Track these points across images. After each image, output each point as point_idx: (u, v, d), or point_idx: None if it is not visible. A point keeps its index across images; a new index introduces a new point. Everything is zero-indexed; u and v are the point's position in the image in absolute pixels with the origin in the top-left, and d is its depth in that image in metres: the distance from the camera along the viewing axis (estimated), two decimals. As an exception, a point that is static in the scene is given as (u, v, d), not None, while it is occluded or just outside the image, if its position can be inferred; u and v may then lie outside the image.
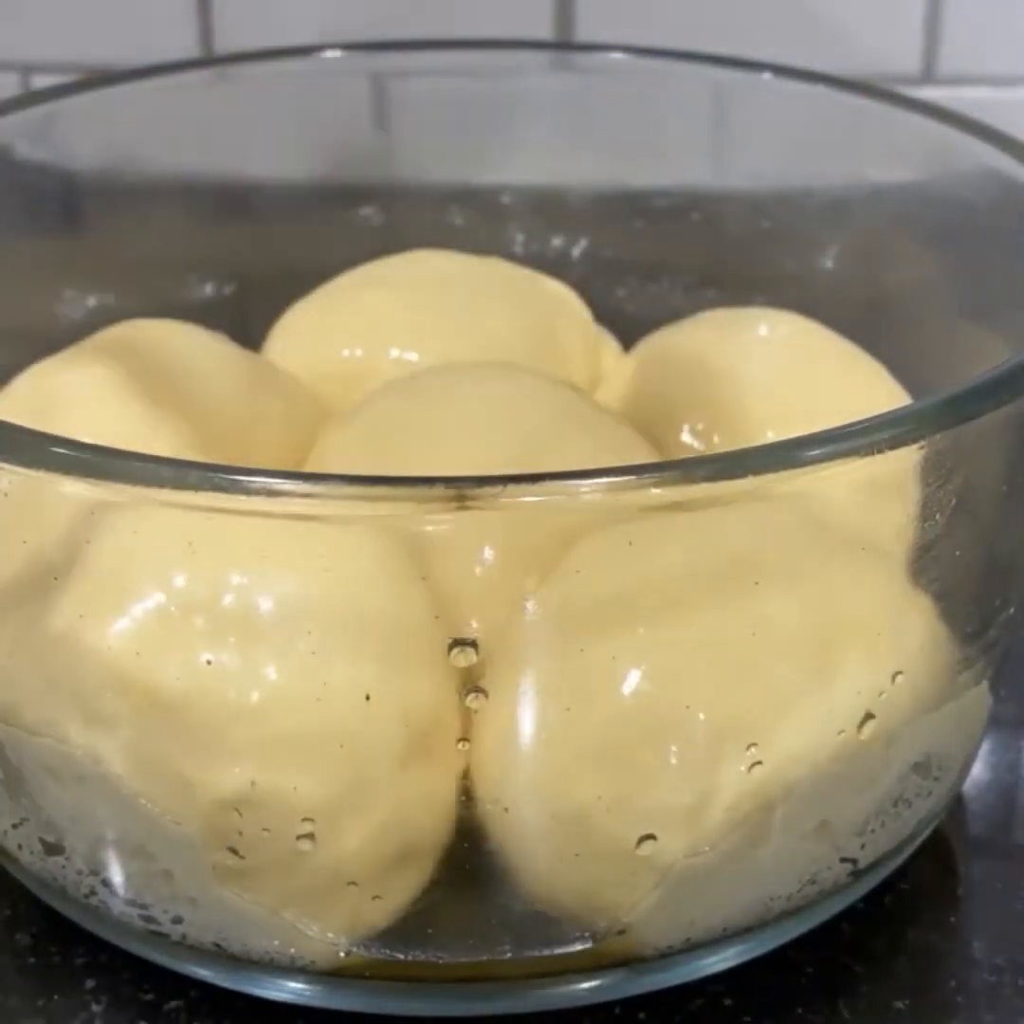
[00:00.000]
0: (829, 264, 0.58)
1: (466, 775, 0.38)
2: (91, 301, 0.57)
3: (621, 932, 0.39)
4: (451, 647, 0.37)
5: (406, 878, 0.38)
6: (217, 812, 0.37)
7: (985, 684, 0.43)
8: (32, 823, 0.40)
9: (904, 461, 0.36)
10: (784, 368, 0.50)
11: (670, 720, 0.37)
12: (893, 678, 0.38)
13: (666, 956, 0.40)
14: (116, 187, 0.59)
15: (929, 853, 0.45)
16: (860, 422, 0.35)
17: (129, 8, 0.74)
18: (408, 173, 0.62)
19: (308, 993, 0.40)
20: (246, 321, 0.56)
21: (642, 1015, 0.41)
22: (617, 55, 0.60)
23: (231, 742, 0.36)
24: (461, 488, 0.33)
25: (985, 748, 0.47)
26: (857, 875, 0.41)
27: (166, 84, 0.58)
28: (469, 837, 0.38)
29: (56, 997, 0.41)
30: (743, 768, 0.37)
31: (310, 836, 0.37)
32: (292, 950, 0.39)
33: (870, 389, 0.50)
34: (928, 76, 0.73)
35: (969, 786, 0.47)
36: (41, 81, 0.74)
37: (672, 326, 0.54)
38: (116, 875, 0.39)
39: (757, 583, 0.37)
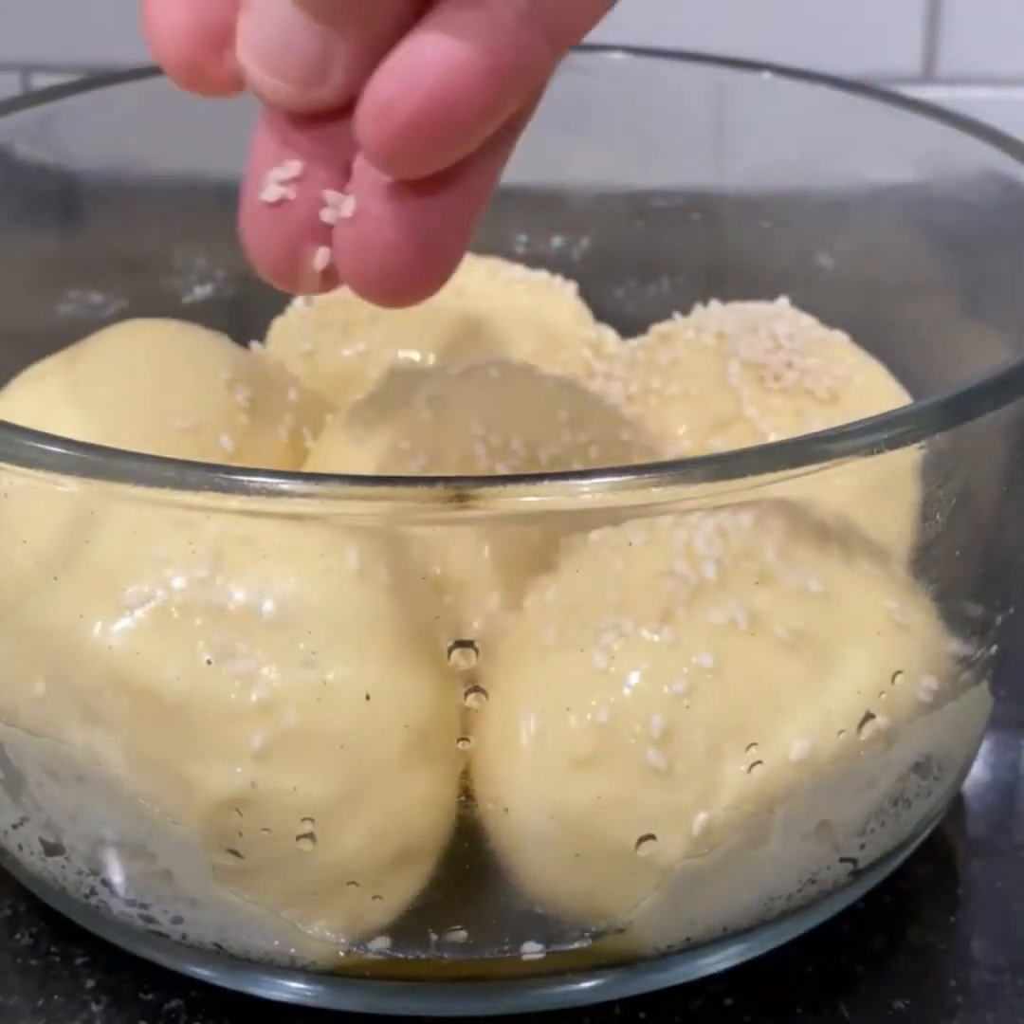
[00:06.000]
0: (829, 264, 0.58)
1: (466, 775, 0.38)
2: (91, 301, 0.57)
3: (621, 932, 0.39)
4: (451, 648, 0.37)
5: (406, 878, 0.38)
6: (217, 812, 0.37)
7: (985, 684, 0.43)
8: (32, 823, 0.40)
9: (904, 461, 0.36)
10: (784, 367, 0.50)
11: (670, 720, 0.37)
12: (893, 678, 0.38)
13: (666, 956, 0.40)
14: (116, 187, 0.59)
15: (929, 853, 0.45)
16: (860, 422, 0.35)
17: (129, 8, 0.73)
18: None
19: (308, 993, 0.40)
20: (246, 321, 0.56)
21: (642, 1015, 0.41)
22: (617, 55, 0.60)
23: (231, 742, 0.36)
24: (461, 488, 0.33)
25: (985, 748, 0.47)
26: (857, 875, 0.41)
27: (166, 84, 0.58)
28: (469, 837, 0.38)
29: (56, 997, 0.41)
30: (743, 768, 0.37)
31: (310, 836, 0.37)
32: (292, 950, 0.39)
33: (869, 388, 0.50)
34: (928, 76, 0.73)
35: (969, 786, 0.47)
36: (41, 81, 0.74)
37: (671, 322, 0.54)
38: (116, 875, 0.39)
39: (757, 583, 0.38)
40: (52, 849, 0.40)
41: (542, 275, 0.58)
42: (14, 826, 0.41)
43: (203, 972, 0.41)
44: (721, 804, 0.37)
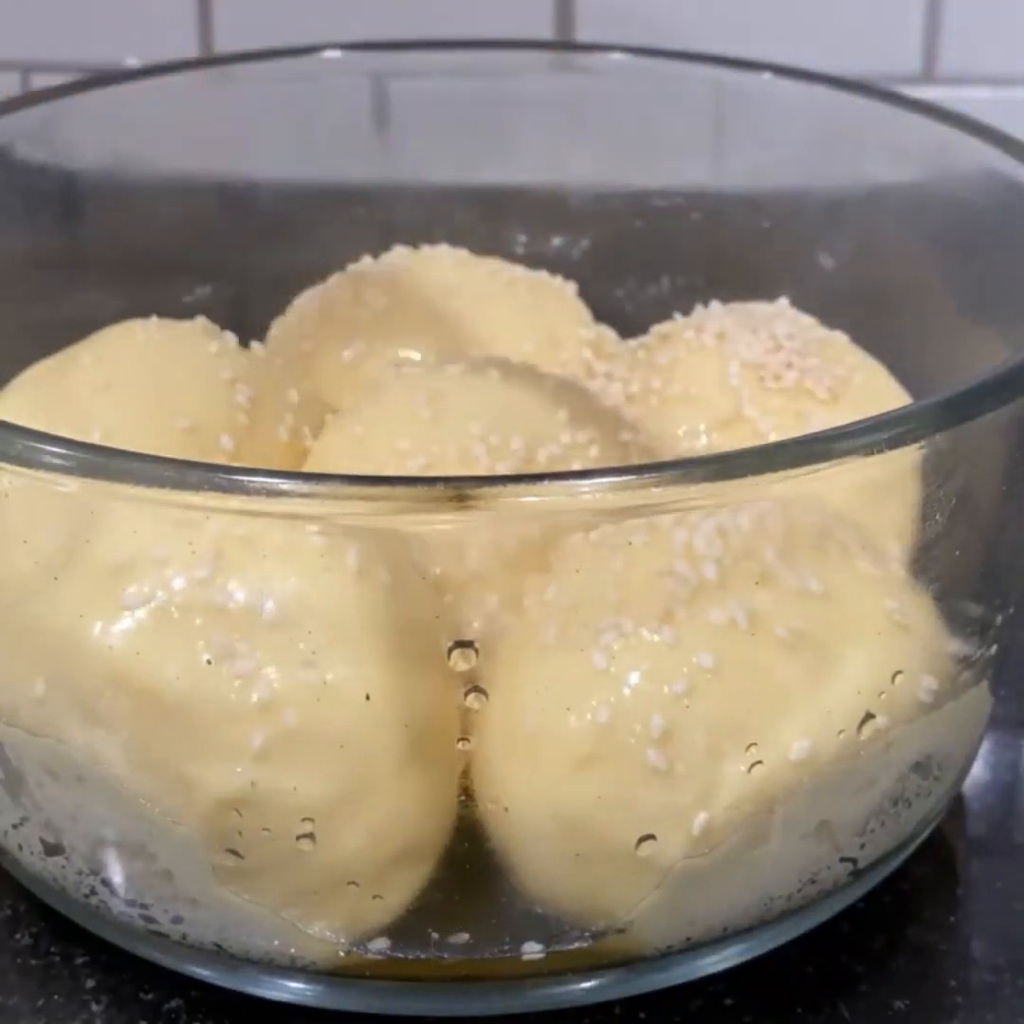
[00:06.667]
0: (829, 264, 0.58)
1: (466, 775, 0.38)
2: (91, 301, 0.57)
3: (621, 932, 0.39)
4: (451, 648, 0.37)
5: (406, 878, 0.38)
6: (217, 812, 0.37)
7: (985, 684, 0.43)
8: (32, 823, 0.40)
9: (904, 461, 0.36)
10: (784, 367, 0.50)
11: (670, 720, 0.37)
12: (893, 678, 0.38)
13: (666, 956, 0.40)
14: (116, 187, 0.59)
15: (929, 853, 0.45)
16: (860, 422, 0.35)
17: (129, 8, 0.74)
18: (408, 173, 0.62)
19: (308, 993, 0.40)
20: (246, 321, 0.56)
21: (642, 1015, 0.41)
22: (617, 55, 0.60)
23: (231, 742, 0.36)
24: (461, 488, 0.33)
25: (985, 748, 0.47)
26: (857, 875, 0.41)
27: (166, 84, 0.58)
28: (469, 837, 0.38)
29: (56, 997, 0.41)
30: (743, 768, 0.37)
31: (310, 836, 0.37)
32: (292, 950, 0.39)
33: (869, 388, 0.50)
34: (928, 76, 0.73)
35: (969, 786, 0.47)
36: (41, 81, 0.74)
37: (671, 322, 0.54)
38: (116, 875, 0.39)
39: (757, 583, 0.38)
40: (52, 849, 0.40)
41: (542, 275, 0.58)
42: (14, 826, 0.41)
43: (203, 972, 0.41)
44: (721, 804, 0.37)
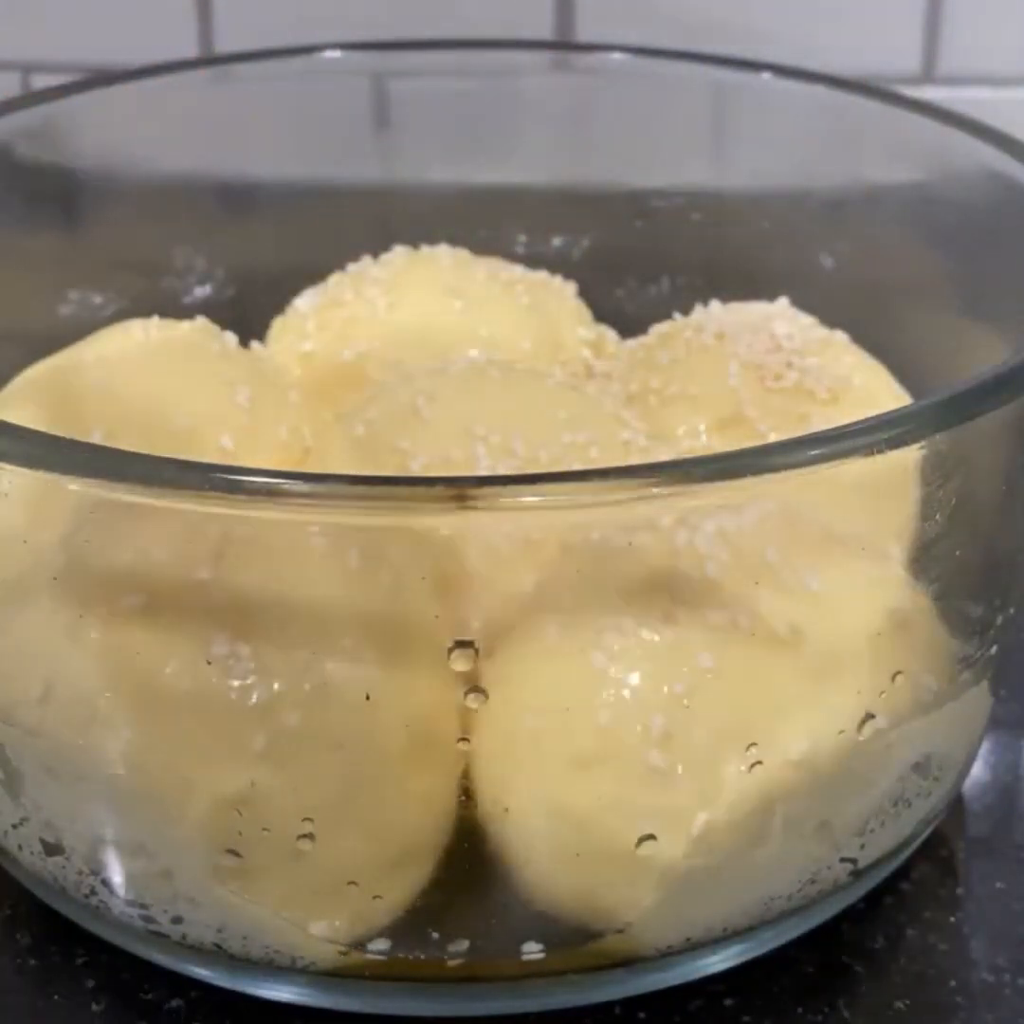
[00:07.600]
0: (829, 264, 0.58)
1: (466, 775, 0.38)
2: (91, 301, 0.57)
3: (621, 932, 0.39)
4: (451, 649, 0.37)
5: (406, 878, 0.38)
6: (217, 812, 0.37)
7: (985, 684, 0.43)
8: (32, 823, 0.40)
9: (904, 461, 0.36)
10: (784, 367, 0.50)
11: (670, 720, 0.37)
12: (893, 678, 0.38)
13: (666, 956, 0.40)
14: (116, 187, 0.59)
15: (929, 853, 0.45)
16: (860, 422, 0.35)
17: (129, 8, 0.74)
18: (408, 173, 0.62)
19: (308, 993, 0.40)
20: (246, 321, 0.56)
21: (642, 1015, 0.41)
22: (617, 55, 0.60)
23: (231, 742, 0.36)
24: (461, 488, 0.33)
25: (985, 748, 0.47)
26: (857, 875, 0.41)
27: (166, 84, 0.58)
28: (469, 837, 0.38)
29: (56, 997, 0.41)
30: (743, 768, 0.37)
31: (310, 836, 0.37)
32: (292, 950, 0.39)
33: (869, 388, 0.50)
34: (928, 76, 0.73)
35: (969, 786, 0.47)
36: (41, 81, 0.74)
37: (671, 322, 0.54)
38: (116, 875, 0.39)
39: (757, 583, 0.38)
40: (52, 849, 0.40)
41: (542, 275, 0.58)
42: (14, 826, 0.41)
43: (203, 972, 0.41)
44: (721, 804, 0.37)
